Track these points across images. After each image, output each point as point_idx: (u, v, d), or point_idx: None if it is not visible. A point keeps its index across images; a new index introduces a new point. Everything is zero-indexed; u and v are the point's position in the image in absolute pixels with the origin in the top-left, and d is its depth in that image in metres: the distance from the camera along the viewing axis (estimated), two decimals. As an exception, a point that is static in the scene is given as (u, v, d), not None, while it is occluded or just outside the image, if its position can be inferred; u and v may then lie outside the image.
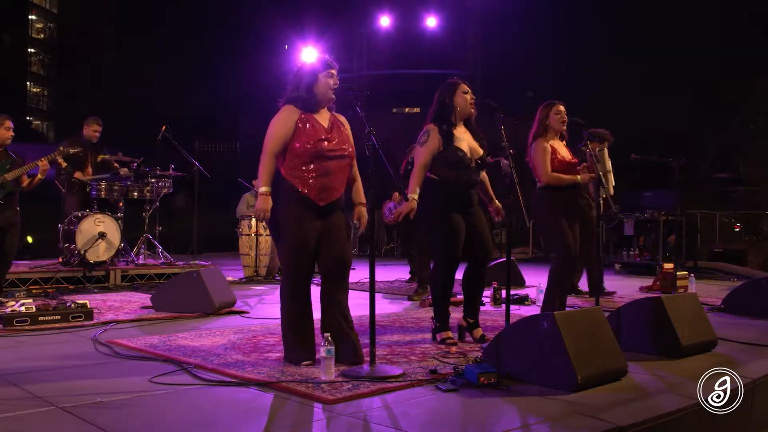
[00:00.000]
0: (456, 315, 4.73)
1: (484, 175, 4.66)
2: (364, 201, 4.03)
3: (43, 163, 5.95)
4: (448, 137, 4.40)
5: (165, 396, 3.12)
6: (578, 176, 5.16)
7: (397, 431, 2.69)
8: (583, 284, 7.25)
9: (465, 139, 4.47)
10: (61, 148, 6.81)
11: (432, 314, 4.55)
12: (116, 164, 8.06)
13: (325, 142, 3.76)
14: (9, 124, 5.88)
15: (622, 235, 10.84)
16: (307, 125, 3.76)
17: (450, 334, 4.43)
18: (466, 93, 4.49)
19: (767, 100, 15.53)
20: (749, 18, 15.76)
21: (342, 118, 3.97)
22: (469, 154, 4.43)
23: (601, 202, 5.29)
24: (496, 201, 4.71)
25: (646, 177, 13.14)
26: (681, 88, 16.28)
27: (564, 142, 5.36)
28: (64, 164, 7.44)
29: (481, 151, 4.50)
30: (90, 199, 7.71)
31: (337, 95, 3.84)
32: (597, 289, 6.74)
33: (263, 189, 3.72)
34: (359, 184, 4.02)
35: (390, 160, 3.84)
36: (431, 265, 4.68)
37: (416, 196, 4.32)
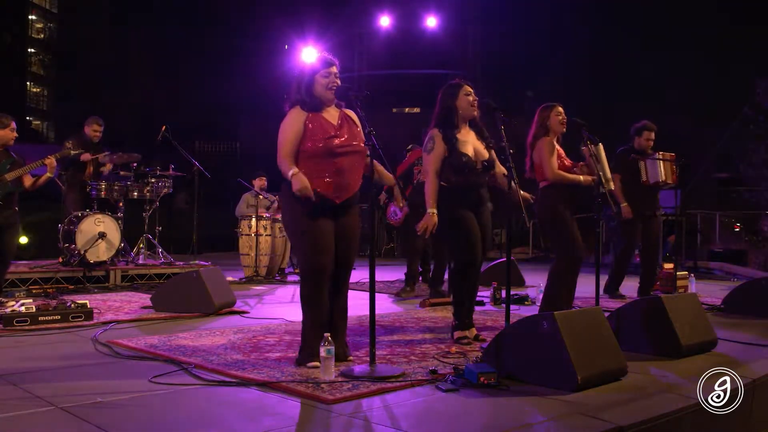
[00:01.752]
0: (445, 313, 4.72)
1: (499, 167, 4.59)
2: (392, 179, 4.06)
3: (50, 161, 5.94)
4: (452, 142, 4.38)
5: (165, 396, 3.12)
6: (581, 177, 5.15)
7: (397, 431, 2.69)
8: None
9: (469, 142, 4.46)
10: (68, 144, 6.80)
11: (438, 314, 4.54)
12: (102, 169, 7.99)
13: (336, 140, 3.74)
14: (14, 125, 5.89)
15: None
16: (316, 125, 3.75)
17: (467, 333, 4.44)
18: (468, 95, 4.47)
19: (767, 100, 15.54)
20: (749, 18, 15.76)
21: (351, 113, 3.92)
22: (474, 157, 4.42)
23: (601, 202, 5.28)
24: (520, 191, 4.36)
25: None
26: (681, 87, 16.29)
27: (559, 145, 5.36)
28: (74, 150, 7.39)
29: (486, 154, 4.49)
30: (90, 199, 7.71)
31: (337, 95, 3.83)
32: (647, 291, 6.85)
33: (293, 170, 3.62)
34: (380, 168, 3.95)
35: (390, 160, 3.84)
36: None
37: (435, 210, 4.32)
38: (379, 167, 3.97)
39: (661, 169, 6.77)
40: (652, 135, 6.91)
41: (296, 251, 3.90)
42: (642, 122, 7.00)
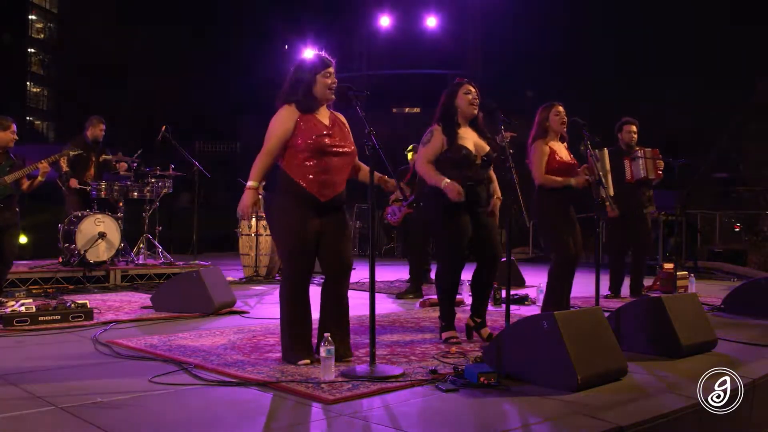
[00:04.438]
0: (460, 315, 4.73)
1: (491, 173, 4.64)
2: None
3: (43, 165, 5.95)
4: (451, 136, 4.40)
5: (165, 396, 3.12)
6: (571, 179, 5.15)
7: (397, 431, 2.69)
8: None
9: (469, 138, 4.47)
10: (65, 150, 6.82)
11: (437, 314, 4.56)
12: (116, 164, 8.09)
13: (327, 138, 3.75)
14: (14, 127, 5.89)
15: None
16: (308, 123, 3.76)
17: (455, 333, 4.45)
18: (468, 93, 4.48)
19: (767, 100, 15.56)
20: (752, 18, 15.78)
21: (341, 117, 3.95)
22: (474, 151, 4.44)
23: (601, 202, 5.28)
24: (495, 200, 4.62)
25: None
26: (682, 88, 16.30)
27: (565, 144, 5.36)
28: (66, 168, 7.45)
29: (487, 148, 4.49)
30: (90, 199, 7.72)
31: (337, 95, 3.83)
32: (638, 291, 6.82)
33: (251, 183, 3.69)
34: (366, 168, 3.92)
35: (390, 160, 3.84)
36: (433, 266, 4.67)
37: (446, 179, 4.28)
38: (359, 164, 3.97)
39: (642, 166, 6.78)
40: (633, 128, 6.96)
41: (278, 250, 3.92)
42: (622, 119, 7.05)
